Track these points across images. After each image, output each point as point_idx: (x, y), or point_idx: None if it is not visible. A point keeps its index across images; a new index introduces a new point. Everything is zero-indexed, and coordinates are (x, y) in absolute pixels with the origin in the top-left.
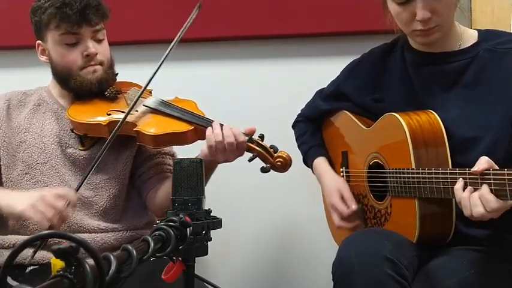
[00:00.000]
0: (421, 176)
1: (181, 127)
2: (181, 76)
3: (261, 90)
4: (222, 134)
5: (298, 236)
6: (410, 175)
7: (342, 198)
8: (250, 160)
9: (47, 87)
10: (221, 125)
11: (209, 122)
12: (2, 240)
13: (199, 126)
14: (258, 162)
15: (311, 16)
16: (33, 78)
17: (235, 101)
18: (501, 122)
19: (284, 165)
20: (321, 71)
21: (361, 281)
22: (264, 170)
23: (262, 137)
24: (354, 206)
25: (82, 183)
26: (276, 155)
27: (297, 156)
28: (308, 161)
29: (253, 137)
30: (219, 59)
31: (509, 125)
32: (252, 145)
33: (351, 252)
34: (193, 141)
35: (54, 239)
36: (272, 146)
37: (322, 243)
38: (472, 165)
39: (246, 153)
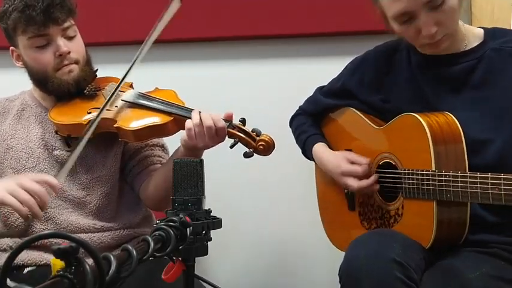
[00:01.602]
0: (444, 178)
1: (161, 119)
2: (180, 76)
3: (261, 90)
4: (201, 119)
5: (298, 235)
6: (431, 177)
7: (352, 163)
8: (231, 146)
9: (29, 90)
10: (199, 112)
11: (189, 111)
12: None
13: (178, 116)
14: (257, 158)
15: (311, 16)
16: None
17: (235, 101)
18: (511, 122)
19: (267, 148)
20: (321, 71)
21: (369, 284)
22: (246, 155)
23: (243, 121)
24: (365, 160)
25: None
26: (258, 138)
27: (296, 155)
28: (307, 150)
29: (233, 121)
30: (218, 59)
31: None
32: (232, 131)
33: (359, 254)
34: (176, 132)
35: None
36: (254, 130)
37: (322, 243)
38: (487, 166)
39: (228, 139)
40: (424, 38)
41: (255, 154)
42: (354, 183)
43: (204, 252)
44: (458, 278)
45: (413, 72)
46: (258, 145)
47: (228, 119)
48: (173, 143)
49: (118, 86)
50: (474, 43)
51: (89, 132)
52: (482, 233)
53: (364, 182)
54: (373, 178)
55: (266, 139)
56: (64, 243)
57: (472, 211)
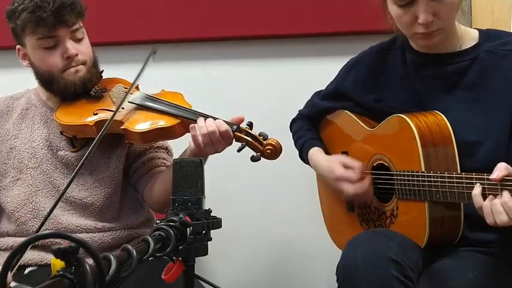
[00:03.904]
0: (432, 179)
1: (168, 121)
2: (181, 76)
3: (261, 90)
4: (206, 128)
5: (298, 235)
6: (420, 178)
7: (346, 167)
8: (239, 150)
9: (35, 89)
10: (205, 118)
11: (195, 114)
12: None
13: (185, 119)
14: (256, 158)
15: (311, 16)
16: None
17: (235, 101)
18: (502, 125)
19: (274, 152)
20: (321, 71)
21: (366, 282)
22: (254, 159)
23: (250, 125)
24: (358, 164)
25: (68, 186)
26: (265, 142)
27: (297, 155)
28: (304, 154)
29: (241, 125)
30: (218, 59)
31: (509, 128)
32: (239, 134)
33: (356, 254)
34: (182, 135)
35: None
36: (261, 134)
37: (322, 243)
38: (477, 169)
39: (235, 143)
40: (419, 26)
41: (262, 158)
42: (349, 188)
43: (204, 252)
44: (456, 278)
45: (407, 70)
46: (265, 149)
47: (237, 123)
48: (178, 145)
49: (128, 92)
50: (469, 44)
51: (100, 136)
52: (480, 232)
53: (359, 185)
54: (367, 181)
55: (273, 143)
56: (64, 243)
57: (468, 210)
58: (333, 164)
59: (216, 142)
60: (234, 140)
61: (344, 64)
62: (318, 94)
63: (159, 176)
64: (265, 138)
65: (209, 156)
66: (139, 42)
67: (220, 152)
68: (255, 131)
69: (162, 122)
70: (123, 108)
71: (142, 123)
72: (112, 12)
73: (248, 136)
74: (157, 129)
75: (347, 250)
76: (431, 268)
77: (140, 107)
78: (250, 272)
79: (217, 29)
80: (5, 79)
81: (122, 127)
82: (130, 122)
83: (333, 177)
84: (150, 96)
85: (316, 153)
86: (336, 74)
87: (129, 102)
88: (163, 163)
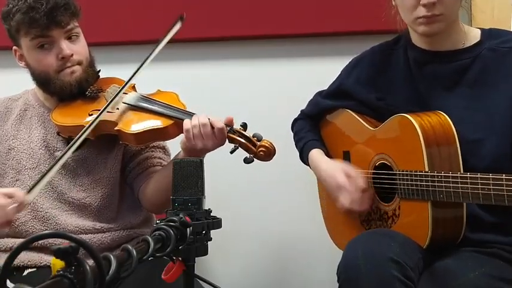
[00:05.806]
0: (436, 179)
1: (162, 122)
2: (181, 76)
3: (259, 90)
4: (198, 119)
5: (298, 235)
6: (424, 178)
7: (349, 177)
8: (232, 152)
9: (33, 89)
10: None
11: (189, 115)
12: None
13: (179, 120)
14: (256, 161)
15: (311, 16)
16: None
17: (235, 101)
18: (504, 122)
19: (267, 154)
20: (321, 71)
21: (367, 283)
22: (247, 161)
23: (244, 126)
24: (364, 185)
25: (38, 183)
26: (258, 144)
27: (297, 155)
28: (304, 155)
29: (234, 126)
30: (219, 59)
31: (511, 125)
32: (233, 136)
33: (357, 254)
34: (176, 135)
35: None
36: (255, 135)
37: (322, 243)
38: (483, 167)
39: (228, 144)
40: (421, 9)
41: (255, 160)
42: (346, 201)
43: (204, 252)
44: (457, 278)
45: (410, 70)
46: (258, 151)
47: (229, 124)
48: (176, 145)
49: (119, 91)
50: (471, 43)
51: (85, 132)
52: (481, 233)
53: (354, 206)
54: (363, 207)
55: (267, 145)
56: (64, 243)
57: (469, 211)
58: (336, 171)
59: (207, 136)
60: (227, 140)
61: (346, 63)
62: (320, 93)
63: (154, 175)
64: (259, 139)
65: (208, 156)
66: (137, 43)
67: (210, 149)
68: (249, 132)
69: (156, 123)
70: (117, 109)
71: (136, 124)
72: (110, 12)
73: (241, 138)
74: (151, 130)
75: (348, 250)
76: (432, 268)
77: (134, 108)
78: (250, 271)
79: (215, 28)
80: (5, 79)
81: (115, 128)
82: (124, 123)
83: (334, 184)
84: (145, 96)
85: (316, 155)
86: (335, 74)
87: (123, 103)
88: (159, 163)
